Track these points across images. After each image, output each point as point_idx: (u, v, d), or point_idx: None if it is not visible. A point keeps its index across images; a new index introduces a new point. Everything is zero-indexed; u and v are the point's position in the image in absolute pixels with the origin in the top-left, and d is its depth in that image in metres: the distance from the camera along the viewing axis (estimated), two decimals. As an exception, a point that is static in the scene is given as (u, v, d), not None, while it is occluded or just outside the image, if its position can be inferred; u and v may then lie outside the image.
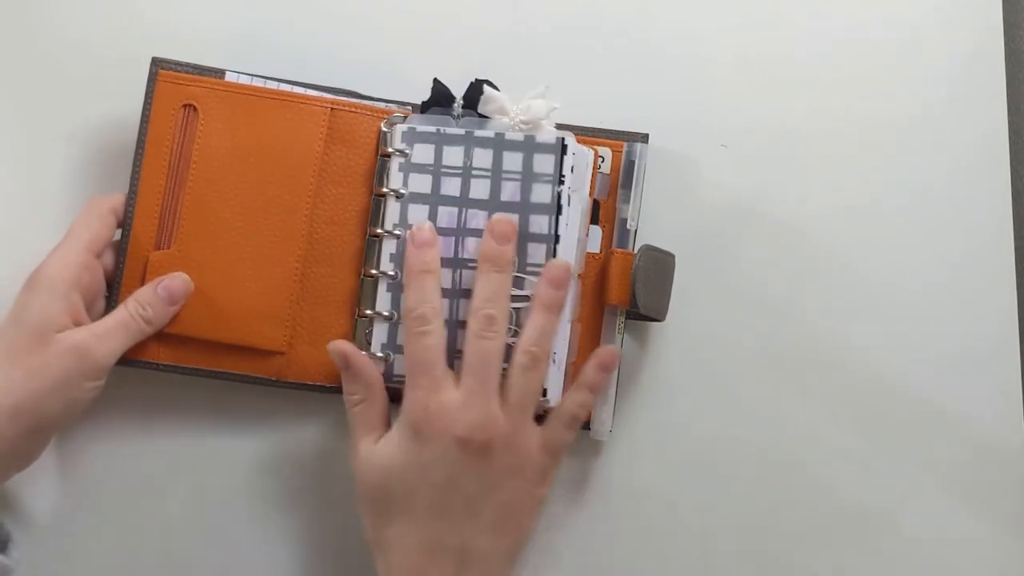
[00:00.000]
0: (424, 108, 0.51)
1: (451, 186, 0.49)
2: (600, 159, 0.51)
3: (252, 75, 0.51)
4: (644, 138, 0.52)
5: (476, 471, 0.45)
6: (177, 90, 0.50)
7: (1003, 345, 0.54)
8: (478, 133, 0.49)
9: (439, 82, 0.50)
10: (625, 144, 0.52)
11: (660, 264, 0.50)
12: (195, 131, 0.50)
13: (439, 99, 0.50)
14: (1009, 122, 0.56)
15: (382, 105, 0.52)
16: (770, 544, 0.52)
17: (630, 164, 0.51)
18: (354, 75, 0.53)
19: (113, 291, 0.50)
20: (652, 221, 0.53)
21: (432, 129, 0.50)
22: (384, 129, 0.51)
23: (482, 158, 0.49)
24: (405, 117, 0.51)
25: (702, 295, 0.54)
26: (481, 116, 0.50)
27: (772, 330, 0.54)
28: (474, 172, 0.49)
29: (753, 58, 0.56)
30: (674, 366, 0.53)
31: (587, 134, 0.51)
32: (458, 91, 0.51)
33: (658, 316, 0.50)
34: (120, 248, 0.50)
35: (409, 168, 0.50)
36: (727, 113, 0.55)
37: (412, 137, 0.50)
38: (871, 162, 0.55)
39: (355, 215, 0.51)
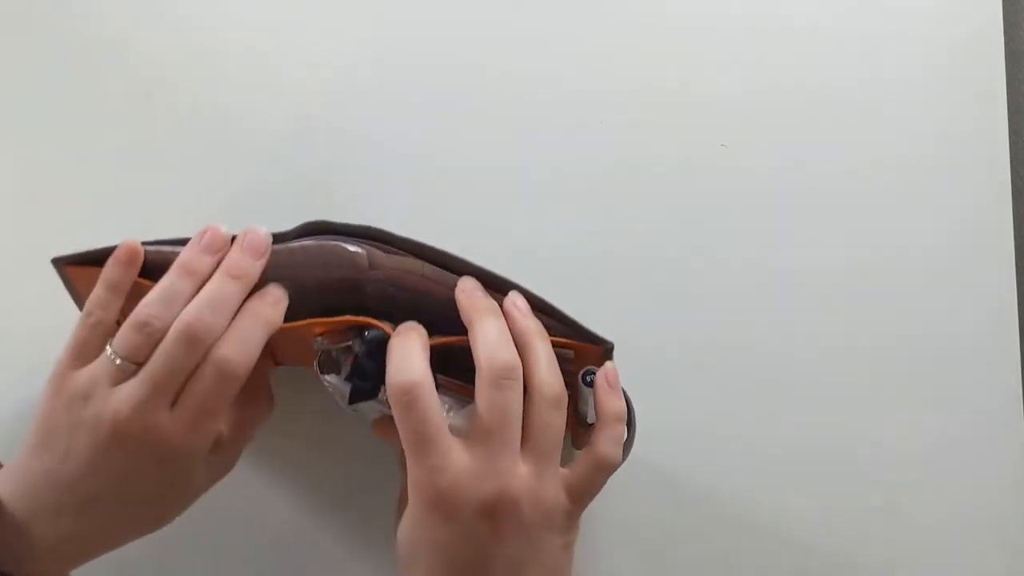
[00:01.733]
0: (351, 398, 0.45)
1: None
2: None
3: (174, 243, 0.45)
4: (608, 351, 0.45)
5: (508, 539, 0.39)
6: (93, 277, 0.44)
7: (1003, 344, 0.54)
8: None
9: (359, 378, 0.44)
10: (581, 371, 0.44)
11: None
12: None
13: (360, 395, 0.45)
14: (1009, 122, 0.56)
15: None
16: (770, 543, 0.52)
17: (589, 382, 0.44)
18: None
19: None
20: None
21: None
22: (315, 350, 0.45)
23: None
24: (330, 354, 0.45)
25: (697, 293, 0.54)
26: None
27: (770, 329, 0.54)
28: None
29: (750, 58, 0.56)
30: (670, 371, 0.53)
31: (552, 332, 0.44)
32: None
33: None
34: None
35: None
36: (726, 111, 0.56)
37: (339, 389, 0.45)
38: (870, 161, 0.55)
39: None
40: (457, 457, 0.39)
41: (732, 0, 0.57)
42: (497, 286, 0.44)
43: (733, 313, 0.54)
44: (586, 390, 0.44)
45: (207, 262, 0.43)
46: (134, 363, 0.41)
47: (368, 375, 0.44)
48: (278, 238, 0.45)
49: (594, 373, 0.44)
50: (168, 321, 0.41)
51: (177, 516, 0.45)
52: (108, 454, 0.41)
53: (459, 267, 0.44)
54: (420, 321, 0.44)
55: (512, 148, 0.55)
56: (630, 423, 0.45)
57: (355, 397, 0.44)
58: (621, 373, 0.44)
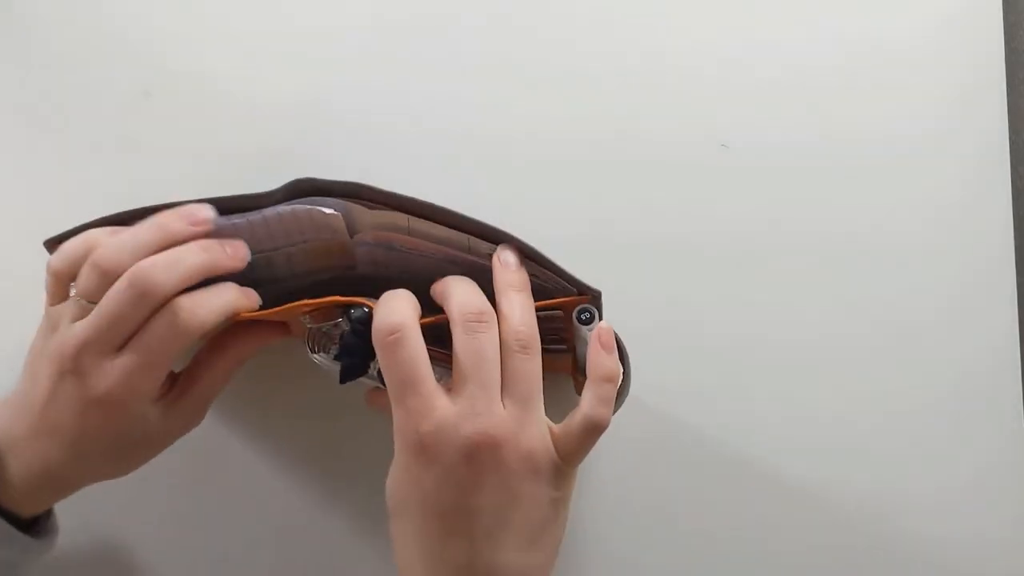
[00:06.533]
0: (341, 377, 0.45)
1: None
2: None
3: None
4: (596, 299, 0.45)
5: (490, 483, 0.40)
6: None
7: (1003, 346, 0.54)
8: None
9: (347, 355, 0.44)
10: (575, 309, 0.44)
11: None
12: None
13: (350, 373, 0.45)
14: (1009, 122, 0.56)
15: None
16: (769, 543, 0.52)
17: (585, 320, 0.44)
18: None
19: None
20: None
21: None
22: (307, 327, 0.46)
23: None
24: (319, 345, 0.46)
25: (695, 295, 0.54)
26: None
27: (769, 329, 0.54)
28: None
29: (751, 57, 0.56)
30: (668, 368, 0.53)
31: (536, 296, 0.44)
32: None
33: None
34: None
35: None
36: (727, 114, 0.55)
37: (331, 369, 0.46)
38: (870, 162, 0.55)
39: None
40: (440, 403, 0.40)
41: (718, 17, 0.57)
42: (488, 236, 0.44)
43: (734, 343, 0.54)
44: (583, 329, 0.44)
45: (181, 227, 0.44)
46: (91, 302, 0.42)
47: (355, 352, 0.44)
48: (263, 198, 0.45)
49: (589, 312, 0.44)
50: (122, 266, 0.42)
51: (142, 463, 0.46)
52: (62, 384, 0.42)
53: (445, 218, 0.44)
54: (412, 281, 0.44)
55: (513, 123, 0.55)
56: (625, 372, 0.45)
57: (345, 376, 0.44)
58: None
